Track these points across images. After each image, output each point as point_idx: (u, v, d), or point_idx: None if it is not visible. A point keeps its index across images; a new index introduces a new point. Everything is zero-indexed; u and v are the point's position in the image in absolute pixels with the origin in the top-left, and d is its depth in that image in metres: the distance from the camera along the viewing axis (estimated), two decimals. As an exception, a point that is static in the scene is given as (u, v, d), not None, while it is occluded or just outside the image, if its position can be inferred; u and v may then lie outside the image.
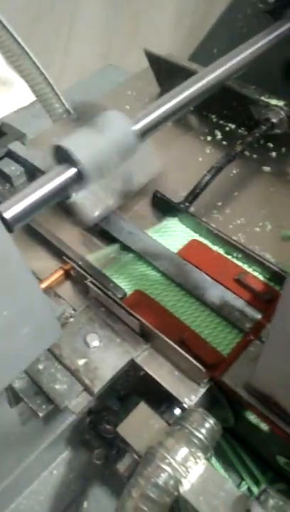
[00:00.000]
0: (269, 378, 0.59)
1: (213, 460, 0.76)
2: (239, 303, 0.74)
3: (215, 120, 1.10)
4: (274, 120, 0.94)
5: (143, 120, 0.75)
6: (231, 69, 0.86)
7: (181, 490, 0.58)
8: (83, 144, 0.67)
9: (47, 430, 0.74)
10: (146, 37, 1.49)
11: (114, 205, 0.74)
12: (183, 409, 0.68)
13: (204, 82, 0.82)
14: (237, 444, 0.78)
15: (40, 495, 0.78)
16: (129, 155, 0.73)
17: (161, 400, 0.70)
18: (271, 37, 0.93)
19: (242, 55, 0.88)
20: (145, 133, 0.75)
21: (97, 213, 0.72)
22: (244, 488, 0.76)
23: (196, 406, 0.67)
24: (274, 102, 1.04)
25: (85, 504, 0.79)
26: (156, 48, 1.16)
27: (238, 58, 0.87)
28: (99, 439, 0.78)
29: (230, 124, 1.08)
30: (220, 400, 0.69)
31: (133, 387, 0.77)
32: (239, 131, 1.06)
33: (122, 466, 0.66)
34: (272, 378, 0.58)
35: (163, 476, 0.57)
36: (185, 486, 0.58)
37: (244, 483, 0.76)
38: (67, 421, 0.75)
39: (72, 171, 0.67)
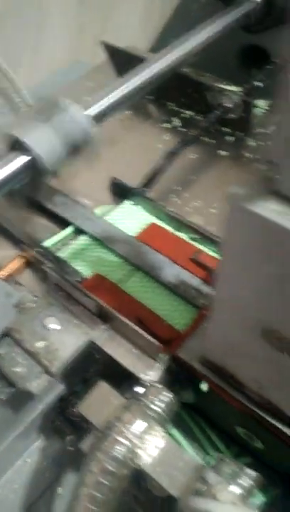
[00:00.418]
0: (217, 348, 0.60)
1: (179, 436, 0.78)
2: (194, 281, 0.76)
3: (173, 108, 1.12)
4: (228, 105, 0.96)
5: (96, 105, 0.76)
6: (182, 55, 0.87)
7: (141, 463, 0.59)
8: (33, 130, 0.67)
9: (17, 419, 0.75)
10: (116, 33, 1.51)
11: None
12: (143, 387, 0.70)
13: (155, 67, 0.83)
14: (202, 420, 0.80)
15: (15, 483, 0.79)
16: (83, 140, 0.74)
17: (123, 379, 0.72)
18: (221, 23, 0.94)
19: (193, 41, 0.89)
20: (99, 118, 0.76)
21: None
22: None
23: (156, 383, 0.68)
24: (231, 88, 1.06)
25: (60, 490, 0.80)
26: (127, 43, 1.18)
27: (189, 44, 0.88)
28: (68, 424, 0.79)
29: (188, 111, 1.09)
30: (180, 377, 0.71)
31: (101, 372, 0.78)
32: (197, 117, 1.08)
33: (85, 445, 0.67)
34: (220, 348, 0.60)
35: (121, 448, 0.59)
36: (145, 459, 0.59)
37: (210, 458, 0.78)
38: (37, 409, 0.76)
39: (23, 158, 0.67)
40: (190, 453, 0.75)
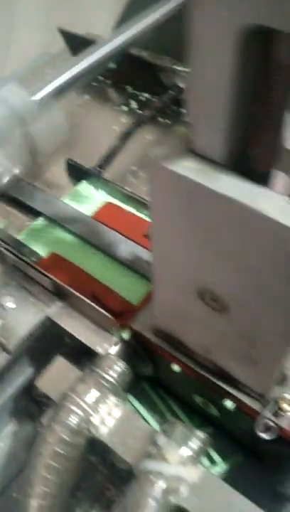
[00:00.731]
0: (163, 315, 0.62)
1: (142, 409, 0.79)
2: (148, 255, 0.77)
3: (130, 91, 1.13)
4: (181, 85, 0.97)
5: (43, 87, 0.77)
6: (133, 35, 0.88)
7: (96, 432, 0.60)
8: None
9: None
10: (88, 24, 1.51)
11: (21, 172, 0.76)
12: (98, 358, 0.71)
13: (105, 48, 0.84)
14: (164, 393, 0.82)
15: (-12, 468, 0.80)
16: (28, 121, 0.74)
17: (82, 354, 0.73)
18: (173, 3, 0.94)
19: (145, 20, 0.90)
20: (46, 99, 0.77)
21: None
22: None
23: (111, 354, 0.70)
24: (185, 69, 1.07)
25: (32, 472, 0.81)
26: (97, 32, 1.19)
27: (141, 23, 0.89)
28: (35, 404, 0.80)
29: (145, 94, 1.11)
30: (136, 349, 0.72)
31: (62, 350, 0.79)
32: (153, 99, 1.09)
33: (46, 420, 0.68)
34: (165, 314, 0.61)
35: (75, 418, 0.60)
36: (99, 428, 0.61)
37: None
38: (7, 392, 0.77)
39: None
40: (151, 423, 0.77)
